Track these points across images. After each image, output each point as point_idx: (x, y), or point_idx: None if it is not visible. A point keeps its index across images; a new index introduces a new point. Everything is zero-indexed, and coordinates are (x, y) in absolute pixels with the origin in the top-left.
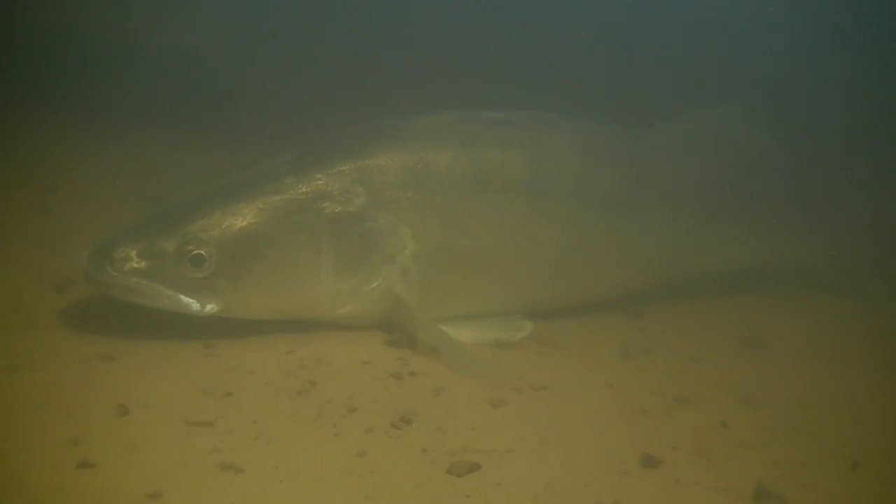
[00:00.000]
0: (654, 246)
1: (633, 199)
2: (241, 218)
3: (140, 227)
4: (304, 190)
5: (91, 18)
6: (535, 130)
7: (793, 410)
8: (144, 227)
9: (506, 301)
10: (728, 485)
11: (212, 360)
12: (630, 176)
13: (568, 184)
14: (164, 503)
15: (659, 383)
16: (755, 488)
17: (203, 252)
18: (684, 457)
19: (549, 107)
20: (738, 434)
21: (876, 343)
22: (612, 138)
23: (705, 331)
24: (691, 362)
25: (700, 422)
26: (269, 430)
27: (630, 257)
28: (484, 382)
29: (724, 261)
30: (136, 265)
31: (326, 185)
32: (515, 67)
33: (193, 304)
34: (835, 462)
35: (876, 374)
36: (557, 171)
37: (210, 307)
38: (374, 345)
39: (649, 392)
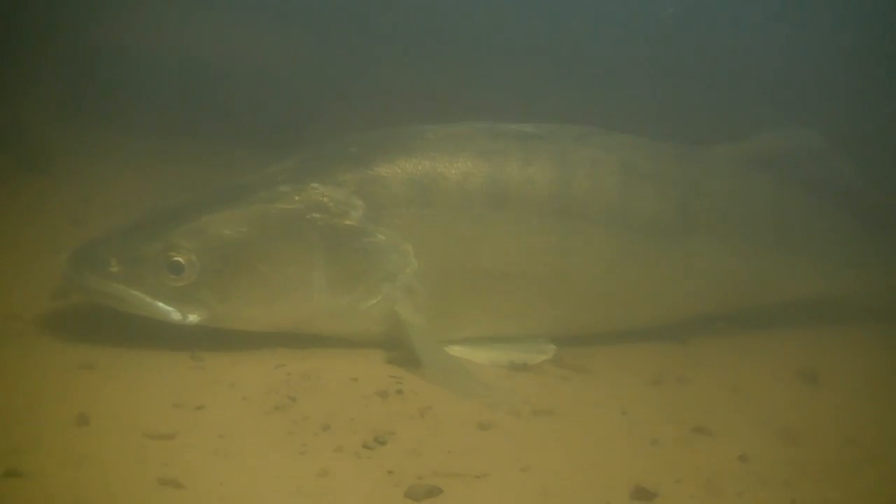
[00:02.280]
0: (703, 275)
1: (678, 225)
2: (229, 225)
3: (124, 230)
4: (298, 199)
5: (125, 38)
6: (564, 145)
7: (834, 448)
8: (128, 231)
9: (529, 325)
10: None
11: (195, 371)
12: (677, 199)
13: (600, 205)
14: None
15: (683, 413)
16: None
17: (181, 259)
18: (687, 491)
19: (594, 120)
20: (759, 469)
21: None
22: (658, 156)
23: (757, 361)
24: (730, 393)
25: (716, 454)
26: (231, 445)
27: (673, 286)
28: (480, 404)
29: (789, 293)
30: (114, 270)
31: (323, 195)
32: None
33: (174, 313)
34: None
35: None
36: (588, 191)
37: (192, 317)
38: (371, 362)
39: (667, 421)
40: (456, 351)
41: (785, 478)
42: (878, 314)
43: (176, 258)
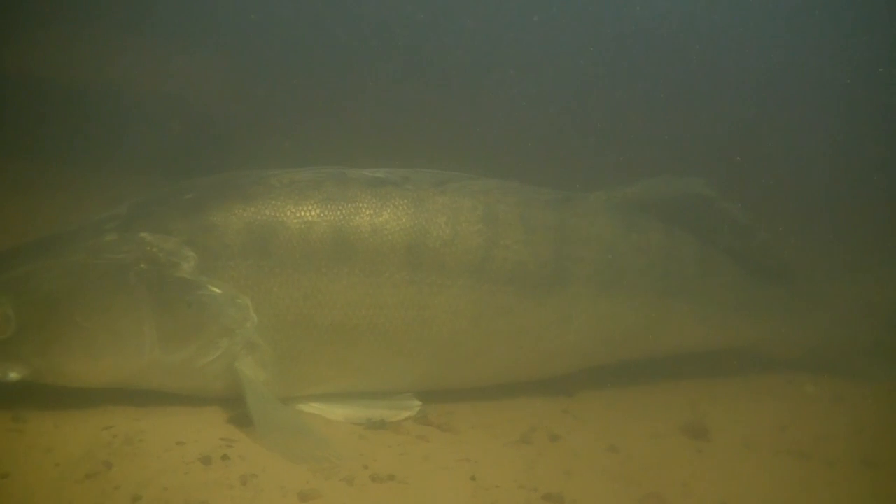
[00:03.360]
0: (582, 328)
1: (549, 275)
2: (49, 276)
3: None
4: (124, 250)
5: (76, 72)
6: (421, 192)
7: None
8: None
9: (388, 381)
10: None
11: (12, 434)
12: (547, 247)
13: (458, 256)
14: None
15: (540, 477)
16: None
17: None
18: None
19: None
20: None
21: (856, 433)
22: (528, 202)
23: (643, 415)
24: (605, 452)
25: None
26: None
27: (549, 340)
28: (312, 470)
29: (680, 344)
30: None
31: (151, 245)
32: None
33: None
34: None
35: (841, 472)
36: (445, 241)
37: (13, 374)
38: (208, 422)
39: (518, 487)
40: (312, 408)
41: None
42: (775, 365)
43: None
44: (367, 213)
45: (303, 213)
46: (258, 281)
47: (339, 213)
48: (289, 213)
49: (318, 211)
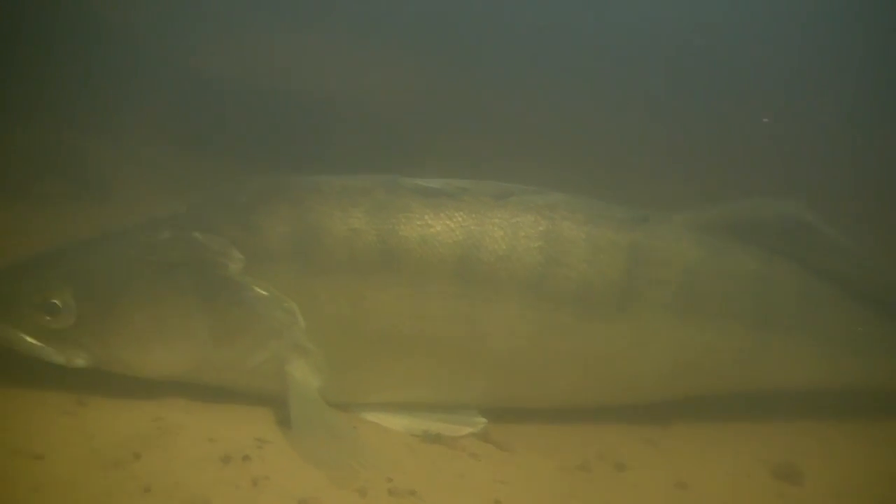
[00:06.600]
0: (658, 355)
1: (616, 298)
2: (106, 270)
3: (11, 268)
4: (176, 248)
5: (187, 61)
6: (477, 204)
7: None
8: (15, 269)
9: (447, 394)
10: None
11: (66, 418)
12: (619, 269)
13: (515, 272)
14: None
15: None
16: None
17: (58, 301)
18: None
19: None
20: None
21: None
22: (597, 220)
23: (727, 451)
24: (672, 488)
25: None
26: (41, 501)
27: (618, 365)
28: (330, 476)
29: (772, 380)
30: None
31: (201, 245)
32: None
33: (56, 355)
34: None
35: None
36: (501, 256)
37: (78, 361)
38: (254, 420)
39: None
40: (372, 416)
41: None
42: (883, 406)
43: (52, 300)
44: (417, 222)
45: (350, 220)
46: (304, 285)
47: (387, 221)
48: (336, 220)
49: (365, 218)
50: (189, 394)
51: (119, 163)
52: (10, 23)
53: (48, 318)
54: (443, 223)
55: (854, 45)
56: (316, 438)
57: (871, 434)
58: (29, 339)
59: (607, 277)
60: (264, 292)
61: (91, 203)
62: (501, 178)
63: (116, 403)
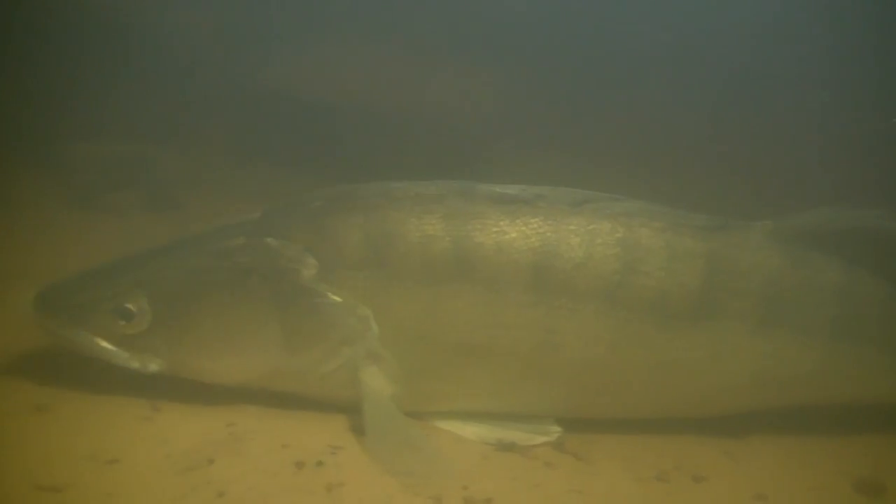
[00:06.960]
0: (738, 366)
1: (696, 308)
2: (179, 275)
3: (88, 274)
4: (250, 254)
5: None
6: (553, 211)
7: None
8: (91, 275)
9: (523, 404)
10: None
11: (141, 423)
12: (697, 278)
13: (591, 280)
14: None
15: None
16: None
17: (132, 306)
18: None
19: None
20: None
21: None
22: (675, 229)
23: (810, 464)
24: (751, 500)
25: None
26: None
27: (697, 376)
28: (405, 484)
29: (859, 394)
30: (75, 313)
31: (274, 251)
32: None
33: (130, 360)
34: None
35: None
36: (578, 265)
37: (152, 366)
38: (327, 428)
39: None
40: (445, 424)
41: None
42: None
43: (126, 305)
44: (492, 229)
45: (424, 227)
46: (377, 292)
47: (461, 228)
48: (410, 227)
49: (439, 225)
50: (261, 400)
51: (188, 173)
52: (81, 37)
53: (123, 323)
54: (518, 230)
55: None
56: (390, 446)
57: None
58: (104, 343)
59: (685, 286)
60: (338, 299)
61: (161, 213)
62: (573, 185)
63: (190, 409)
